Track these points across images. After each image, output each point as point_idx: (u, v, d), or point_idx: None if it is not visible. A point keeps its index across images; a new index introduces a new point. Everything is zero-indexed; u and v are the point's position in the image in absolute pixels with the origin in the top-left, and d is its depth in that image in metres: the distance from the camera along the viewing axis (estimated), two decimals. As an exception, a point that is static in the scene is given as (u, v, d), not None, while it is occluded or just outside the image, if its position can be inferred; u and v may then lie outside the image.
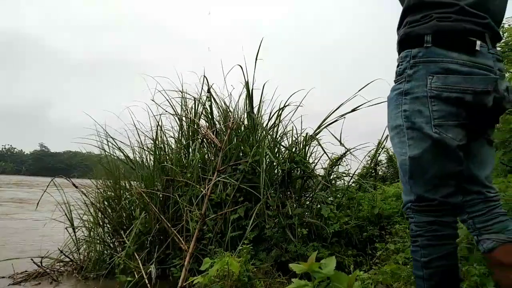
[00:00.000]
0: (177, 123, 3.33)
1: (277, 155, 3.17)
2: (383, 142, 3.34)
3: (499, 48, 3.17)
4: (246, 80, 3.17)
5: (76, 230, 3.01)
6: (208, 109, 3.32)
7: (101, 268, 2.77)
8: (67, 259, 2.91)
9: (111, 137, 3.30)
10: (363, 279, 1.79)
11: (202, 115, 3.36)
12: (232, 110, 3.33)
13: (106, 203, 3.10)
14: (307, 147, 3.13)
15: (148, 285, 2.27)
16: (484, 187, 1.16)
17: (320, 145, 3.19)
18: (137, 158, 3.30)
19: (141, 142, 3.27)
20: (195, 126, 3.23)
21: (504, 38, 3.28)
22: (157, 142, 3.19)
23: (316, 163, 3.26)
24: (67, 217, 3.02)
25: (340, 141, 3.12)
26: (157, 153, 3.15)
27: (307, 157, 3.12)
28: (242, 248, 2.15)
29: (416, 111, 1.07)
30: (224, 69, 3.31)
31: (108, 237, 3.06)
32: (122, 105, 3.36)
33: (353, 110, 3.11)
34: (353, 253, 2.48)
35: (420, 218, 1.09)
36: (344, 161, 3.21)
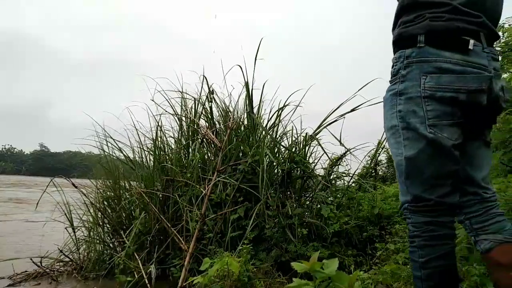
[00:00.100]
0: (177, 123, 3.33)
1: (277, 155, 3.17)
2: (383, 142, 3.34)
3: (499, 48, 3.19)
4: (246, 80, 3.18)
5: (76, 230, 3.01)
6: (208, 109, 3.33)
7: (101, 268, 2.77)
8: (67, 259, 2.91)
9: (110, 137, 3.30)
10: (363, 279, 1.79)
11: (202, 115, 3.36)
12: (232, 110, 3.33)
13: (105, 203, 3.10)
14: (307, 147, 3.13)
15: (148, 285, 2.27)
16: (481, 188, 1.16)
17: (320, 145, 3.20)
18: (137, 158, 3.31)
19: (140, 142, 3.27)
20: (195, 126, 3.23)
21: (504, 38, 3.28)
22: (157, 142, 3.19)
23: (316, 163, 3.26)
24: (66, 217, 3.02)
25: (340, 141, 3.13)
26: (157, 153, 3.15)
27: (307, 157, 3.12)
28: (242, 248, 2.15)
29: (410, 111, 1.07)
30: (224, 69, 3.31)
31: (108, 237, 3.06)
32: (122, 105, 3.37)
33: (353, 110, 3.11)
34: (353, 253, 2.48)
35: (417, 218, 1.09)
36: (344, 161, 3.21)
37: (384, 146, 3.51)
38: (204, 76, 3.33)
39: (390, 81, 1.16)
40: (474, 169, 1.16)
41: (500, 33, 3.23)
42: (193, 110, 3.34)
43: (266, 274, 2.26)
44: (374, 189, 3.09)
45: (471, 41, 1.04)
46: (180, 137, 3.31)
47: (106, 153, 3.28)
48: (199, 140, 3.16)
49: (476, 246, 1.16)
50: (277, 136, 3.30)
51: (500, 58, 3.21)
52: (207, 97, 3.31)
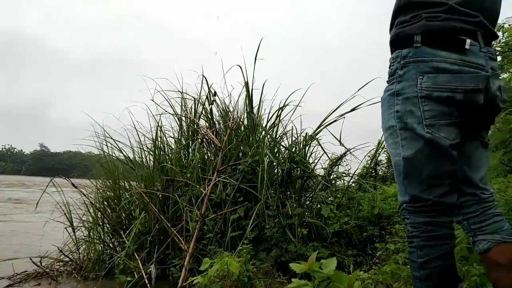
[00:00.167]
0: (177, 123, 3.33)
1: (277, 155, 3.17)
2: (383, 142, 3.34)
3: (499, 48, 3.19)
4: (246, 80, 3.18)
5: (76, 230, 3.01)
6: (208, 109, 3.33)
7: (101, 268, 2.77)
8: (67, 259, 2.91)
9: (110, 137, 3.30)
10: (363, 279, 1.79)
11: (202, 115, 3.36)
12: (231, 110, 3.33)
13: (105, 203, 3.10)
14: (307, 147, 3.13)
15: (148, 285, 2.27)
16: (479, 189, 1.16)
17: (320, 145, 3.20)
18: (137, 158, 3.31)
19: (140, 142, 3.27)
20: (195, 126, 3.23)
21: (504, 38, 3.28)
22: (156, 142, 3.19)
23: (316, 163, 3.26)
24: (66, 217, 3.02)
25: (340, 141, 3.13)
26: (157, 153, 3.15)
27: (307, 157, 3.12)
28: (242, 248, 2.15)
29: (407, 111, 1.07)
30: (224, 69, 3.32)
31: (108, 237, 3.06)
32: (122, 105, 3.37)
33: (353, 110, 3.11)
34: (353, 253, 2.48)
35: (415, 219, 1.09)
36: (344, 161, 3.22)
37: (384, 146, 3.51)
38: (203, 76, 3.33)
39: (387, 81, 1.16)
40: (472, 169, 1.16)
41: (500, 33, 3.23)
42: (193, 110, 3.34)
43: (266, 274, 2.26)
44: (374, 189, 3.09)
45: (468, 41, 1.04)
46: (180, 137, 3.31)
47: (106, 153, 3.28)
48: (199, 140, 3.16)
49: (475, 246, 1.16)
50: (277, 136, 3.30)
51: (500, 58, 3.21)
52: (207, 97, 3.31)
